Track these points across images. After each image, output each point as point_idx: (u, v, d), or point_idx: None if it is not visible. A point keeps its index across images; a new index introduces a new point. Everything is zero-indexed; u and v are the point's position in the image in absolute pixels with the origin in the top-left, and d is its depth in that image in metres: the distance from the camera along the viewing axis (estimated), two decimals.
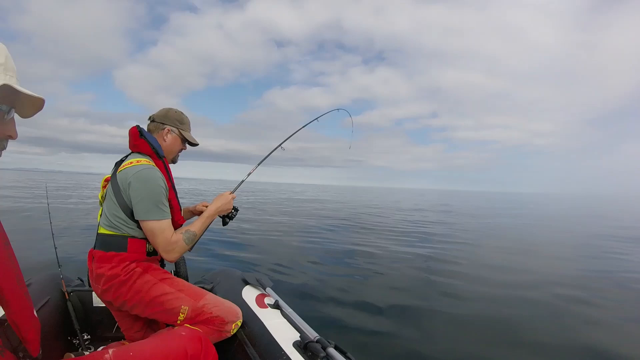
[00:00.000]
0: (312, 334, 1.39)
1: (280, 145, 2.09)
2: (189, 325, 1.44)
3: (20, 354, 0.84)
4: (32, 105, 0.76)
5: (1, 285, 0.78)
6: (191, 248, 1.59)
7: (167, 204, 1.51)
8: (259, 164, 2.03)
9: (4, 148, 0.75)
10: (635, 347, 3.01)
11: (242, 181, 2.01)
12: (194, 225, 1.59)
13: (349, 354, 1.26)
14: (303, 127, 2.27)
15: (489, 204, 29.94)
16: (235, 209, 1.84)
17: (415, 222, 12.48)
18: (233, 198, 1.78)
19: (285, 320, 1.58)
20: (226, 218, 1.82)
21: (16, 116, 0.77)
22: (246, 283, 2.04)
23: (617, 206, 32.82)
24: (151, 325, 1.73)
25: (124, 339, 1.75)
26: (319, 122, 2.31)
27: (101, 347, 1.73)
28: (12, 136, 0.75)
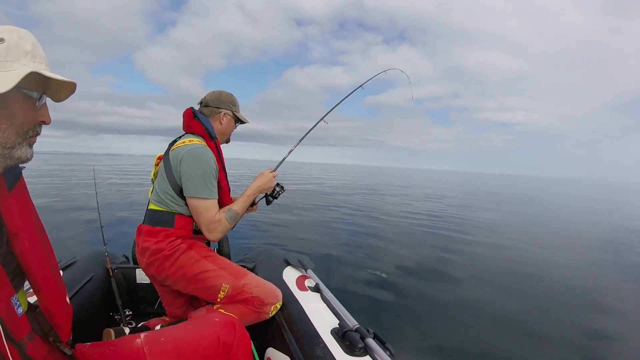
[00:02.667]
0: (352, 322, 1.33)
1: (322, 118, 2.03)
2: (223, 311, 1.44)
3: (51, 339, 0.84)
4: (64, 89, 0.77)
5: (35, 273, 0.79)
6: (233, 226, 1.58)
7: (216, 185, 1.52)
8: (300, 140, 1.98)
9: (38, 133, 0.75)
10: None
11: (284, 159, 1.97)
12: (236, 204, 1.59)
13: (388, 345, 1.21)
14: (349, 95, 2.18)
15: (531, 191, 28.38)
16: (281, 187, 1.80)
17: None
18: (274, 176, 1.75)
19: (324, 304, 1.53)
20: (270, 197, 1.80)
21: (48, 101, 0.77)
22: (288, 264, 2.01)
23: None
24: (193, 303, 1.74)
25: (165, 315, 1.77)
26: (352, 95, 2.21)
27: (141, 323, 1.76)
28: (46, 121, 0.76)
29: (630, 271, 5.39)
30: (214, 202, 1.50)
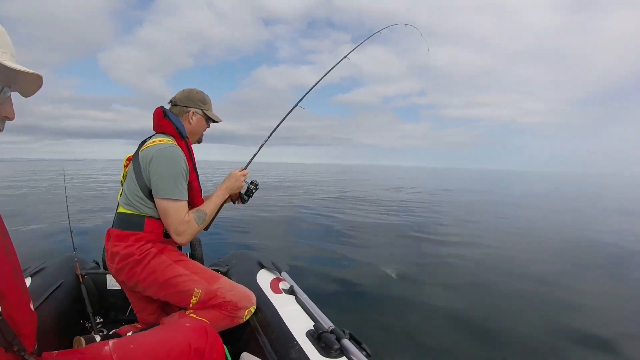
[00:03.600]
0: (327, 324, 1.34)
1: (298, 103, 1.98)
2: (194, 316, 1.42)
3: (15, 348, 0.80)
4: (30, 83, 0.72)
5: None
6: (206, 228, 1.57)
7: (186, 186, 1.50)
8: (272, 132, 1.93)
9: (1, 130, 0.72)
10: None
11: (254, 155, 1.92)
12: (205, 205, 1.57)
13: (364, 345, 1.22)
14: (332, 68, 2.11)
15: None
16: (255, 185, 1.79)
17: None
18: (244, 175, 1.74)
19: (299, 307, 1.54)
20: (244, 195, 1.79)
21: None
22: (261, 266, 2.01)
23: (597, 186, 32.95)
24: (165, 309, 1.72)
25: (137, 322, 1.74)
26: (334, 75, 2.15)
27: (113, 330, 1.72)
28: (9, 117, 0.72)
29: (587, 256, 5.75)
30: (184, 204, 1.46)
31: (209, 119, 1.72)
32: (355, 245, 5.82)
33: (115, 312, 2.04)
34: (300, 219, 8.24)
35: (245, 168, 1.80)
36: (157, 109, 1.59)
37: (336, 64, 2.13)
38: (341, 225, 7.45)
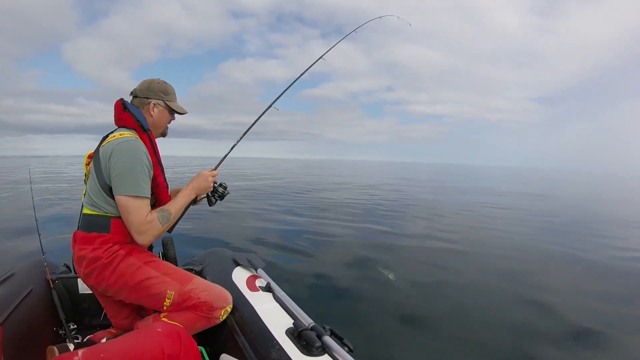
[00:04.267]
0: (307, 321, 1.32)
1: (273, 103, 1.96)
2: (167, 320, 1.38)
3: None
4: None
5: None
6: (170, 230, 1.50)
7: (148, 182, 1.42)
8: (244, 134, 1.88)
9: None
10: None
11: (225, 156, 1.83)
12: (170, 204, 1.48)
13: (345, 340, 1.21)
14: (314, 64, 2.15)
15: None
16: (224, 187, 1.72)
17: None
18: (213, 176, 1.64)
19: (277, 304, 1.52)
20: (212, 197, 1.71)
21: None
22: (237, 264, 1.96)
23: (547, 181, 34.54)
24: (139, 312, 1.67)
25: (112, 327, 1.69)
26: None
27: (87, 337, 1.68)
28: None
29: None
30: (145, 202, 1.38)
31: (172, 111, 1.62)
32: (324, 237, 5.92)
33: (89, 317, 1.98)
34: (269, 215, 8.19)
35: (215, 168, 1.71)
36: (117, 101, 1.51)
37: (312, 64, 2.16)
38: (310, 220, 7.50)
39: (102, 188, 1.39)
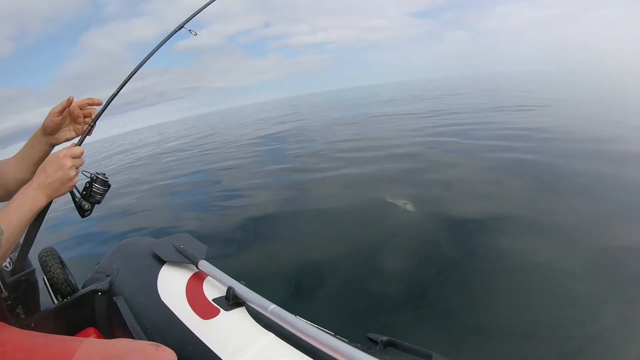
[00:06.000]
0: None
1: (185, 24, 1.35)
2: None
3: None
4: None
5: None
6: (8, 250, 0.84)
7: None
8: (118, 90, 1.15)
9: None
10: None
11: (97, 117, 1.10)
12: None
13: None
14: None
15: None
16: (103, 180, 1.04)
17: None
18: (74, 155, 0.93)
19: (274, 337, 0.91)
20: (83, 201, 1.02)
21: None
22: (161, 262, 1.29)
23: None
24: None
25: None
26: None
27: None
28: None
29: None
30: None
31: None
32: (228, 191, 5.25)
33: None
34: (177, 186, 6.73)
35: (79, 143, 1.03)
36: None
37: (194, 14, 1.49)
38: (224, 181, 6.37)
39: None
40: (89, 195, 1.02)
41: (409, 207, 3.55)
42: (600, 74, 35.98)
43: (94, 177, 1.03)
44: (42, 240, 1.50)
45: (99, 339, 0.91)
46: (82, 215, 1.03)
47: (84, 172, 1.02)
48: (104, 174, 1.05)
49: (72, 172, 0.92)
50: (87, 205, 1.02)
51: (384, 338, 0.89)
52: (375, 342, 0.89)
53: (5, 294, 1.02)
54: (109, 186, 1.06)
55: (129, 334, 1.03)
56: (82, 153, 0.96)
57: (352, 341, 0.87)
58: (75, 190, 1.00)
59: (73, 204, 1.02)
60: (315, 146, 8.12)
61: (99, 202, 1.04)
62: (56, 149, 1.02)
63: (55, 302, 1.41)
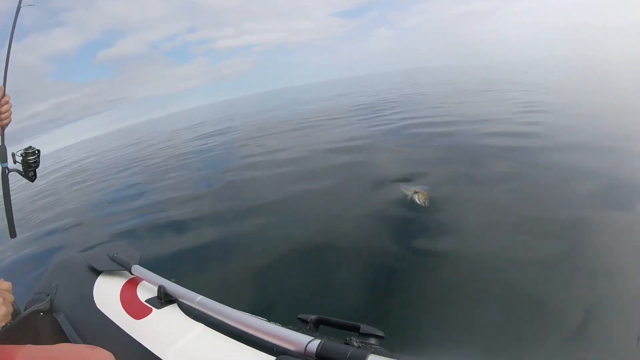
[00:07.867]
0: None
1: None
2: None
3: None
4: None
5: None
6: None
7: None
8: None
9: None
10: None
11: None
12: None
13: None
14: None
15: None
16: (29, 154, 1.38)
17: None
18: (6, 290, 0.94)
19: (203, 326, 1.02)
20: (26, 167, 1.35)
21: None
22: (97, 273, 1.34)
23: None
24: None
25: None
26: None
27: None
28: None
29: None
30: None
31: None
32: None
33: None
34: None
35: None
36: None
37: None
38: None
39: None
40: (29, 167, 1.33)
41: None
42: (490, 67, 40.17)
43: (23, 154, 1.32)
44: None
45: (38, 345, 0.95)
46: (31, 180, 1.36)
47: (14, 157, 1.29)
48: (29, 147, 1.33)
49: (4, 309, 0.89)
50: (31, 173, 1.35)
51: (313, 317, 0.98)
52: (305, 321, 0.98)
53: None
54: (38, 151, 1.33)
55: None
56: (10, 287, 0.95)
57: (284, 324, 0.93)
58: (17, 173, 1.31)
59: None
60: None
61: (38, 166, 1.36)
62: None
63: None
